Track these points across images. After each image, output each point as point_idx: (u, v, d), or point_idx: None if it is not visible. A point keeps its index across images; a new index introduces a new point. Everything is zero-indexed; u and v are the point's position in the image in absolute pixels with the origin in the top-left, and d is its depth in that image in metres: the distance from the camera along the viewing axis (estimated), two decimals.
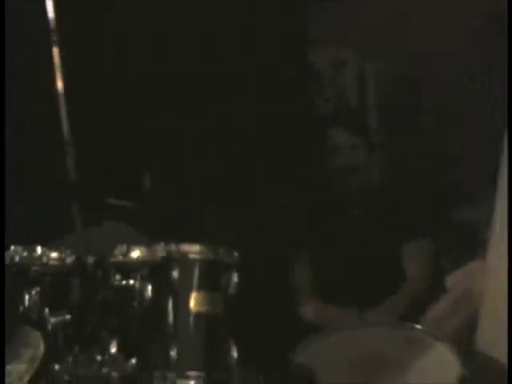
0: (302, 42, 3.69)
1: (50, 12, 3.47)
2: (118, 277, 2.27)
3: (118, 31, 3.47)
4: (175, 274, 2.25)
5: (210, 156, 3.36)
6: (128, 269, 2.27)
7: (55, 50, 3.49)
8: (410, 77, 3.70)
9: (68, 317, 2.20)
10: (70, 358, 2.16)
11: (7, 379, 1.89)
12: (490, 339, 2.62)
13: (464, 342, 2.66)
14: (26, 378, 1.93)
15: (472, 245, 2.91)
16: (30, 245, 2.25)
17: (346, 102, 3.80)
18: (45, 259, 2.24)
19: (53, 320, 2.19)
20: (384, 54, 3.71)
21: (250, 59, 3.46)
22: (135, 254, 2.27)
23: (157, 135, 3.43)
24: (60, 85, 3.49)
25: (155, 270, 2.26)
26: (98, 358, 2.17)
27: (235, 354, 2.24)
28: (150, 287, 2.25)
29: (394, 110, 3.69)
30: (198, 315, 2.23)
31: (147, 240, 2.45)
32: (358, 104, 3.78)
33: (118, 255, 2.28)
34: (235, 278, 2.32)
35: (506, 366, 2.52)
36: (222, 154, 3.37)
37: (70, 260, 2.26)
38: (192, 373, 2.16)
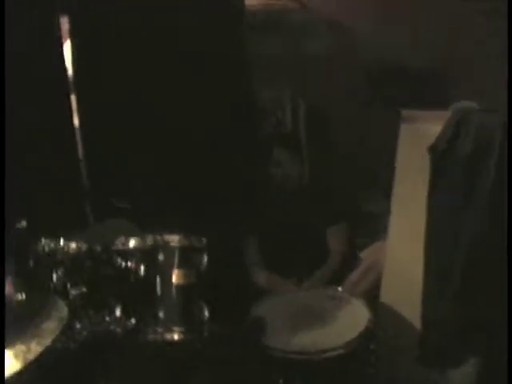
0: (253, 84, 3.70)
1: None
2: (119, 260, 2.30)
3: None
4: (161, 257, 2.32)
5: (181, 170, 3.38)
6: (126, 254, 2.31)
7: None
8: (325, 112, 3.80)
9: (84, 289, 2.24)
10: (87, 319, 2.21)
11: (42, 334, 1.91)
12: (390, 295, 2.73)
13: (372, 297, 2.75)
14: (56, 333, 1.94)
15: (378, 229, 2.96)
16: (56, 237, 2.29)
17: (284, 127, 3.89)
18: (66, 248, 2.27)
19: (73, 292, 2.23)
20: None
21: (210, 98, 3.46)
22: (131, 243, 2.33)
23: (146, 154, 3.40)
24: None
25: (146, 255, 2.31)
26: (107, 318, 2.22)
27: (206, 314, 2.30)
28: (142, 267, 2.31)
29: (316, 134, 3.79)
30: (178, 287, 2.28)
31: (140, 232, 2.45)
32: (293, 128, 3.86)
33: (118, 244, 2.33)
34: (205, 257, 2.37)
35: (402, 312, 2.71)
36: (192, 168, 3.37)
37: (84, 248, 2.29)
38: (175, 328, 2.22)
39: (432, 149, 2.51)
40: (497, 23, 3.29)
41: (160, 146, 3.39)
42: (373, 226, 3.05)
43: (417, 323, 2.62)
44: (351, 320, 2.55)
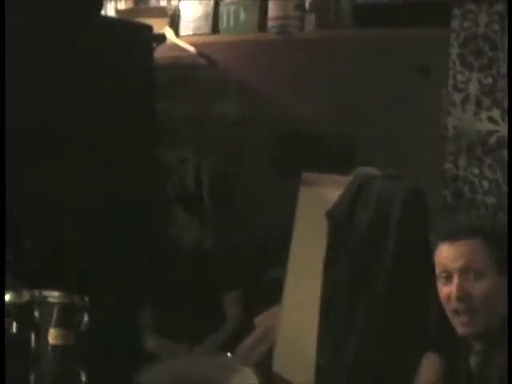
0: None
1: None
2: None
3: None
4: (37, 314, 2.14)
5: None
6: None
7: None
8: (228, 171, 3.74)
9: None
10: None
11: None
12: (283, 363, 2.66)
13: (266, 365, 2.68)
14: None
15: (274, 294, 2.88)
16: None
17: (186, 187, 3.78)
18: None
19: None
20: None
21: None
22: (6, 297, 2.13)
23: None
24: None
25: (21, 310, 2.13)
26: None
27: (84, 379, 2.13)
28: (15, 324, 2.11)
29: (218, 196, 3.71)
30: (54, 347, 2.11)
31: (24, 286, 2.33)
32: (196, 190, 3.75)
33: None
34: (86, 317, 2.20)
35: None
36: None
37: None
38: None
39: (330, 214, 2.45)
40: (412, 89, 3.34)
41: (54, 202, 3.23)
42: (270, 292, 2.95)
43: None
44: None
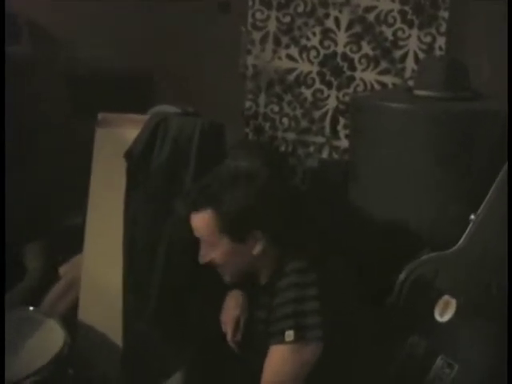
0: None
1: None
2: None
3: None
4: None
5: None
6: None
7: None
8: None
9: None
10: None
11: None
12: (89, 311, 2.57)
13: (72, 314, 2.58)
14: None
15: (78, 243, 2.74)
16: None
17: None
18: None
19: None
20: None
21: None
22: None
23: None
24: None
25: None
26: None
27: None
28: None
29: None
30: None
31: None
32: None
33: None
34: None
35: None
36: None
37: None
38: None
39: (128, 154, 2.38)
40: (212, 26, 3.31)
41: None
42: (73, 240, 2.82)
43: (118, 340, 2.49)
44: (44, 343, 2.29)
